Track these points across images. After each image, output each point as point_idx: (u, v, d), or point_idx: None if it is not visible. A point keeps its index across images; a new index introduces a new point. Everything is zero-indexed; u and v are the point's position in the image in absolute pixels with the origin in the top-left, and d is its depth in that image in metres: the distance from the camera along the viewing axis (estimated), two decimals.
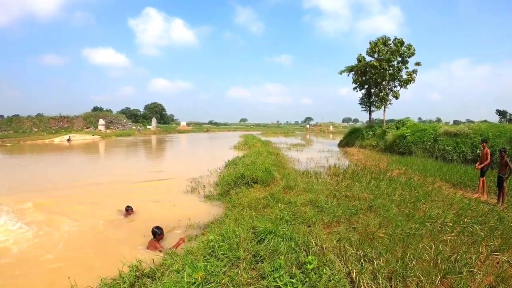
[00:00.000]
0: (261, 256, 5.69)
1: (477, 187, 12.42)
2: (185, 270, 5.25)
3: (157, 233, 8.10)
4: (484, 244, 6.79)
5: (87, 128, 69.79)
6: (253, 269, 5.43)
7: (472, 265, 5.75)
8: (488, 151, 12.32)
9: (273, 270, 5.12)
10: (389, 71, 37.07)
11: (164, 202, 12.33)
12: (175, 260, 5.99)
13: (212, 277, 5.02)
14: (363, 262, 5.64)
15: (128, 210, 10.49)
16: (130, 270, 5.89)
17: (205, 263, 5.49)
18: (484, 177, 12.16)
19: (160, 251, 7.38)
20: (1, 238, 8.68)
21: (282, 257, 5.48)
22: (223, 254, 5.84)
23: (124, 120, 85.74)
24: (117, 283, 5.59)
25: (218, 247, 6.12)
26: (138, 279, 5.62)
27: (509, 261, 6.17)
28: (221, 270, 5.27)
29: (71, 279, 5.75)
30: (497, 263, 6.14)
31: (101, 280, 5.71)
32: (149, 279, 5.55)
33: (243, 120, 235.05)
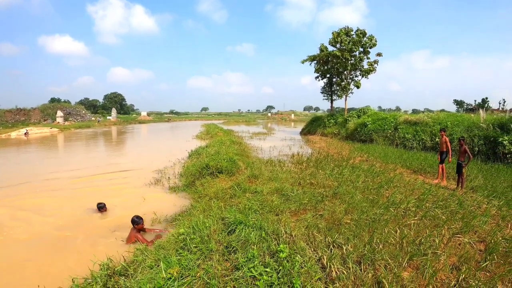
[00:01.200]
0: (233, 247, 5.68)
1: (437, 173, 12.80)
2: (158, 266, 5.18)
3: (137, 222, 7.84)
4: (446, 227, 7.01)
5: (44, 120, 67.35)
6: (227, 260, 5.41)
7: (436, 247, 5.93)
8: (447, 139, 12.68)
9: (246, 261, 5.11)
10: (351, 61, 37.81)
11: (128, 196, 11.96)
12: (147, 255, 5.86)
13: (187, 271, 4.96)
14: (332, 248, 5.71)
15: (101, 208, 9.97)
16: (101, 269, 5.70)
17: (179, 257, 5.42)
18: (444, 164, 12.54)
19: (146, 244, 7.09)
20: None
21: (254, 247, 5.48)
22: (196, 247, 5.78)
23: (83, 111, 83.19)
24: (89, 283, 5.41)
25: (189, 240, 6.05)
26: (110, 278, 5.43)
27: (470, 243, 6.40)
28: (195, 263, 5.21)
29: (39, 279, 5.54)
30: (459, 244, 6.36)
31: (72, 280, 5.51)
32: (122, 277, 5.38)
33: (204, 109, 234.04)
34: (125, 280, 5.22)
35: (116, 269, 5.65)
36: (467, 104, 74.93)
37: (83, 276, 5.62)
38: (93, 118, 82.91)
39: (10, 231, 8.64)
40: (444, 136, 12.72)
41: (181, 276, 4.83)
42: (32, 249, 7.61)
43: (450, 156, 12.40)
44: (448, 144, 12.51)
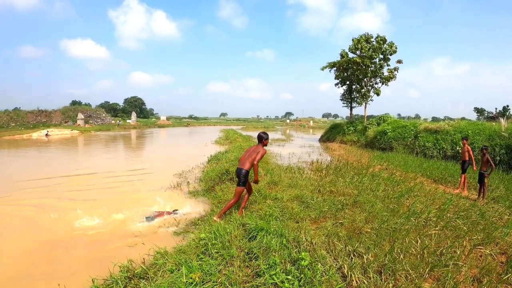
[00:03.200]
0: (254, 254, 5.71)
1: (458, 183, 12.69)
2: (179, 270, 5.23)
3: (264, 138, 8.50)
4: (467, 238, 6.96)
5: (65, 122, 68.70)
6: (248, 266, 5.44)
7: (457, 258, 5.89)
8: (469, 148, 12.57)
9: (268, 268, 5.14)
10: (371, 68, 37.56)
11: (148, 200, 11.99)
12: (167, 259, 5.93)
13: (208, 277, 5.02)
14: (352, 257, 5.72)
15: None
16: (121, 271, 5.79)
17: (200, 262, 5.48)
18: (465, 174, 12.43)
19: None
20: None
21: (276, 254, 5.52)
22: (217, 252, 5.83)
23: (103, 114, 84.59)
24: (109, 285, 5.52)
25: (211, 245, 6.11)
26: (130, 280, 5.53)
27: (491, 254, 6.36)
28: (216, 268, 5.26)
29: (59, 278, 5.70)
30: (481, 256, 6.33)
31: (92, 280, 5.59)
32: (142, 280, 5.47)
33: (223, 114, 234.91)
34: (145, 283, 5.29)
35: (136, 271, 5.71)
36: (488, 112, 73.79)
37: (103, 277, 5.73)
38: (113, 121, 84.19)
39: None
40: (466, 145, 12.62)
41: (203, 281, 4.88)
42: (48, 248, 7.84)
43: (474, 165, 12.30)
44: (471, 152, 12.40)
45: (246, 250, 5.93)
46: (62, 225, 9.34)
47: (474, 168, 12.36)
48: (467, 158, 12.39)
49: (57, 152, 29.93)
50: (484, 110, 79.51)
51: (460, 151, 13.17)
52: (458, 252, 6.13)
